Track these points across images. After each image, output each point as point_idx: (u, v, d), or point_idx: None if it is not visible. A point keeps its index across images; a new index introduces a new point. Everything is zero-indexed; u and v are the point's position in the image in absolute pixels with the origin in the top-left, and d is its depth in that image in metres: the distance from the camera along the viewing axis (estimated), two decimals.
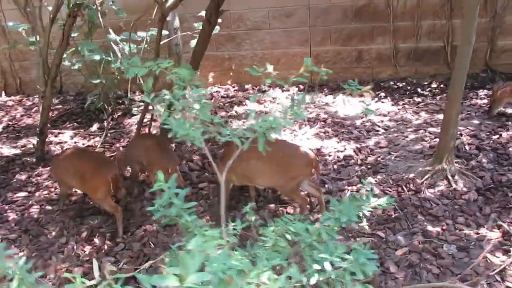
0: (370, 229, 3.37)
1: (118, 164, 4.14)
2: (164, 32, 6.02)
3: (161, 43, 6.08)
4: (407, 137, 4.80)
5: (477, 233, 3.23)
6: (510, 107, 5.10)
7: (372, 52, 6.61)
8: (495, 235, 3.19)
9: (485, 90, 5.85)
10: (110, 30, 5.29)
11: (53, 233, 3.77)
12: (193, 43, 5.90)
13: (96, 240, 3.59)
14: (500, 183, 3.77)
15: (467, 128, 4.77)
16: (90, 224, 3.82)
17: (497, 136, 4.55)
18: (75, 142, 5.71)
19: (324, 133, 5.18)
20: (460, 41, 3.79)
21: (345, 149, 4.67)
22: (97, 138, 5.75)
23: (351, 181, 4.03)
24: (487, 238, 3.16)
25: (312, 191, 3.54)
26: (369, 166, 4.26)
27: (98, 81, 5.96)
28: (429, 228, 3.33)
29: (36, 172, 4.93)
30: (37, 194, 4.48)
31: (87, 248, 3.52)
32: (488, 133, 4.63)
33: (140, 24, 6.68)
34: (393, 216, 3.52)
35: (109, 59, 6.06)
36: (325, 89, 6.67)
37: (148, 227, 3.68)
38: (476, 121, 4.99)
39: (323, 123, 5.41)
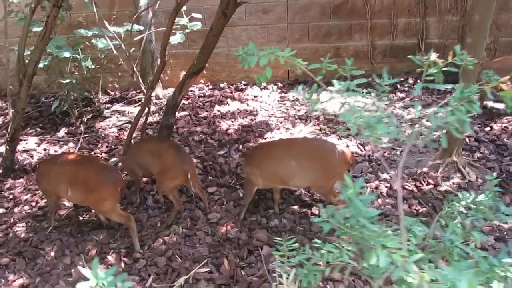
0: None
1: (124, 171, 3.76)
2: (138, 27, 5.60)
3: (135, 39, 5.68)
4: (405, 132, 4.84)
5: (506, 223, 3.30)
6: (491, 100, 5.34)
7: (350, 49, 6.66)
8: None
9: None
10: (106, 23, 4.78)
11: (52, 254, 3.30)
12: (173, 39, 5.55)
13: (110, 258, 3.19)
14: (509, 173, 3.91)
15: None
16: (95, 241, 3.40)
17: (489, 128, 4.74)
18: (44, 150, 5.11)
19: (320, 130, 5.10)
20: (472, 37, 3.84)
21: (347, 146, 4.61)
22: (71, 144, 5.20)
23: (367, 178, 3.97)
24: None
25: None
26: (379, 162, 4.24)
27: (67, 80, 5.38)
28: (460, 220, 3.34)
29: (8, 185, 4.33)
30: (16, 210, 3.92)
31: (101, 267, 3.11)
32: (480, 126, 4.82)
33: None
34: (420, 210, 3.51)
35: (78, 56, 5.54)
36: (305, 86, 6.57)
37: (166, 238, 3.34)
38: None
39: (316, 120, 5.33)
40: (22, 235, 3.55)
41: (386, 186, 3.84)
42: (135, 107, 6.34)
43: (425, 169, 4.00)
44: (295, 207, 3.65)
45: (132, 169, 3.71)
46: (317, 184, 3.28)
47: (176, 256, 3.13)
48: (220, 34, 3.65)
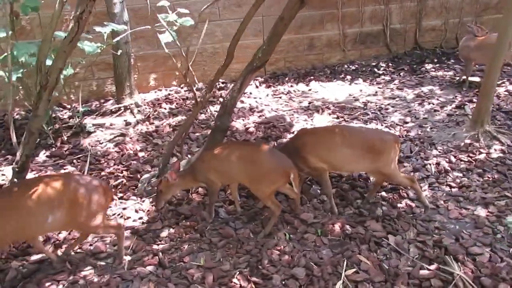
0: (492, 193, 3.52)
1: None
2: (115, 26, 4.96)
3: (114, 40, 5.04)
4: (418, 110, 5.12)
5: None
6: (476, 76, 5.91)
7: (323, 38, 6.78)
8: None
9: (430, 65, 6.66)
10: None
11: None
12: (163, 38, 5.02)
13: (235, 281, 2.78)
14: None
15: (457, 96, 5.37)
16: (197, 266, 2.94)
17: None
18: None
19: (337, 118, 5.11)
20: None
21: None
22: (69, 168, 4.40)
23: (423, 157, 4.10)
24: None
25: None
26: (421, 140, 4.40)
27: None
28: None
29: None
30: (59, 251, 3.19)
31: None
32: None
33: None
34: (492, 178, 3.74)
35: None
36: (287, 78, 6.55)
37: (280, 248, 3.03)
38: (455, 90, 5.65)
39: (328, 109, 5.32)
40: (96, 279, 2.90)
41: (446, 161, 4.01)
42: (115, 117, 5.63)
43: (467, 141, 4.27)
44: (383, 193, 3.61)
45: (210, 179, 3.28)
46: (384, 172, 3.32)
47: (311, 263, 2.87)
48: (289, 23, 3.41)
